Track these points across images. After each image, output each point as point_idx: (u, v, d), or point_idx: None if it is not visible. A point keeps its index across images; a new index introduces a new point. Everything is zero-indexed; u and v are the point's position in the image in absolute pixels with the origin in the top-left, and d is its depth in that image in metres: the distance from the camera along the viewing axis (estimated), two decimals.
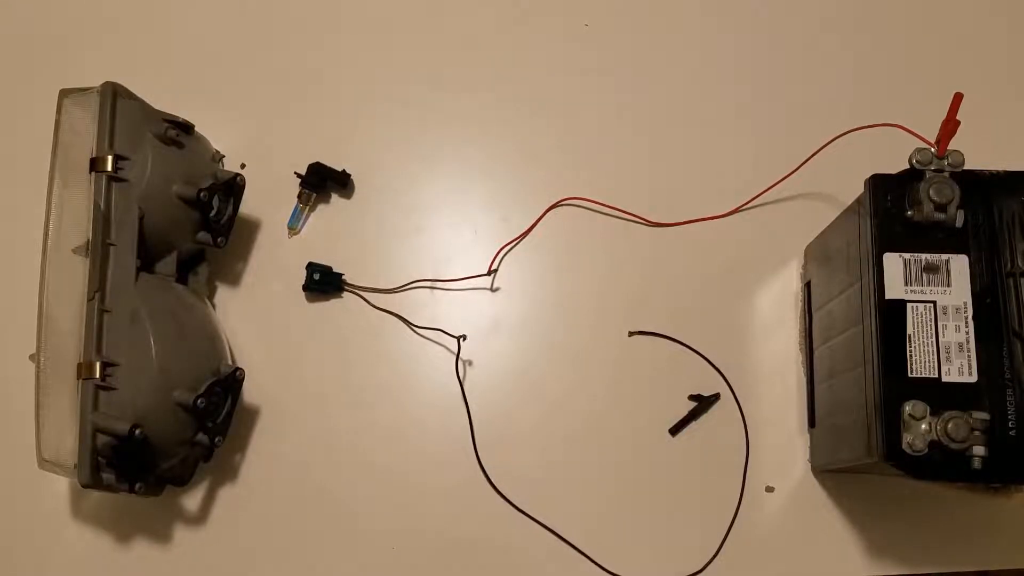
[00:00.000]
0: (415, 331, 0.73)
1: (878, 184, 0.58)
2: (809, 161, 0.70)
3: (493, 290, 0.74)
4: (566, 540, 0.69)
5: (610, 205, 0.75)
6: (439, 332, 0.72)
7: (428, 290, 0.74)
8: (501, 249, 0.75)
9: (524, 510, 0.69)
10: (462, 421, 0.71)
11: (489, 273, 0.74)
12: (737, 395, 0.72)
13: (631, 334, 0.73)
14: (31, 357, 0.63)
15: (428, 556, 0.69)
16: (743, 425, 0.71)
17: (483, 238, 0.76)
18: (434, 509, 0.70)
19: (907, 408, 0.53)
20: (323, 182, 0.75)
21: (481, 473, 0.70)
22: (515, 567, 0.69)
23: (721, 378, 0.72)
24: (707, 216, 0.75)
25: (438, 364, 0.72)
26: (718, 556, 0.69)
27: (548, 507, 0.70)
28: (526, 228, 0.75)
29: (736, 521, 0.69)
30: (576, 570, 0.69)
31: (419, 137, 0.78)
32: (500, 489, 0.70)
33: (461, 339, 0.71)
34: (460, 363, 0.71)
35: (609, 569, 0.68)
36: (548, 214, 0.75)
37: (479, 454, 0.70)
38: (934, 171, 0.57)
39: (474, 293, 0.74)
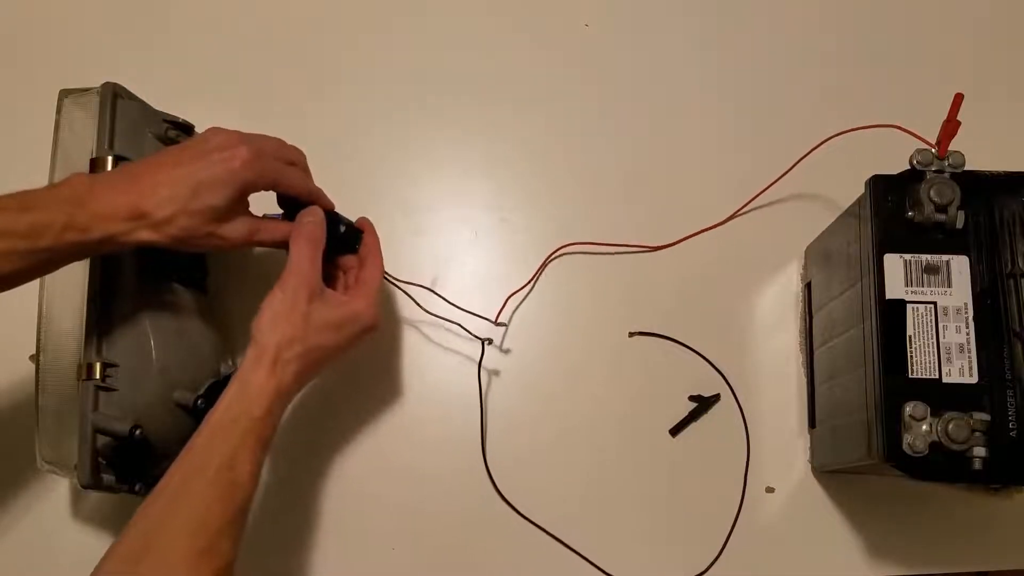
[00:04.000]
0: (428, 314, 0.70)
1: (879, 185, 0.58)
2: (810, 162, 0.69)
3: (501, 348, 0.73)
4: (566, 544, 0.69)
5: (608, 243, 0.75)
6: (456, 326, 0.70)
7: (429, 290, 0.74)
8: (508, 298, 0.72)
9: (524, 513, 0.69)
10: (466, 422, 0.71)
11: (496, 323, 0.71)
12: (738, 396, 0.72)
13: (631, 334, 0.73)
14: (31, 357, 0.63)
15: (429, 557, 0.69)
16: (744, 426, 0.71)
17: (483, 238, 0.76)
18: (437, 511, 0.70)
19: (908, 409, 0.53)
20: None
21: (487, 475, 0.70)
22: (514, 568, 0.69)
23: (721, 379, 0.72)
24: (705, 227, 0.75)
25: (440, 362, 0.72)
26: (720, 557, 0.69)
27: (548, 509, 0.70)
28: (528, 278, 0.74)
29: (737, 522, 0.69)
30: (577, 572, 0.69)
31: (419, 137, 0.78)
32: (499, 490, 0.70)
33: (486, 343, 0.70)
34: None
35: (611, 573, 0.68)
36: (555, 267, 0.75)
37: (487, 458, 0.70)
38: (935, 172, 0.57)
39: (474, 294, 0.74)
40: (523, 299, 0.74)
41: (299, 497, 0.70)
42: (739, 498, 0.70)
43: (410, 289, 0.70)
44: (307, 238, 0.60)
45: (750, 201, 0.74)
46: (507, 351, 0.73)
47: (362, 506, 0.70)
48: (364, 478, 0.70)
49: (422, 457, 0.71)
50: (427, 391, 0.72)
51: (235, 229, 0.58)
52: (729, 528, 0.69)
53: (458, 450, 0.71)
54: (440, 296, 0.70)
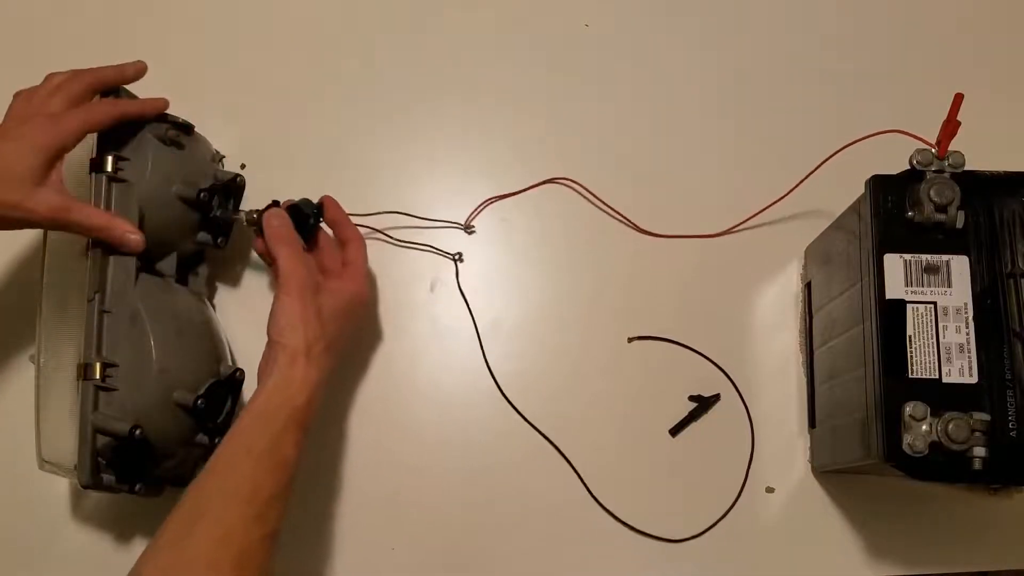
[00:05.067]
0: (403, 246, 0.74)
1: (879, 185, 0.58)
2: (810, 163, 0.69)
3: (468, 232, 0.75)
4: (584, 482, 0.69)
5: (607, 203, 0.75)
6: (432, 251, 0.74)
7: (428, 291, 0.74)
8: (484, 203, 0.75)
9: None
10: (466, 421, 0.71)
11: (466, 227, 0.75)
12: (743, 394, 0.72)
13: (630, 340, 0.73)
14: (31, 357, 0.63)
15: (429, 557, 0.69)
16: (749, 423, 0.71)
17: (483, 238, 0.76)
18: (438, 510, 0.70)
19: (907, 409, 0.53)
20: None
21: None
22: (516, 567, 0.69)
23: (726, 378, 0.72)
24: (701, 234, 0.75)
25: (437, 359, 0.73)
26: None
27: (548, 508, 0.70)
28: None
29: (736, 521, 0.69)
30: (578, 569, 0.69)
31: (420, 137, 0.78)
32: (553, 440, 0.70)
33: (457, 258, 0.73)
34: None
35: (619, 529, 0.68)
36: (545, 195, 0.76)
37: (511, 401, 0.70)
38: (934, 172, 0.57)
39: (476, 294, 0.74)
40: (520, 299, 0.74)
41: (300, 497, 0.69)
42: (739, 498, 0.70)
43: (375, 222, 0.73)
44: (282, 241, 0.62)
45: (751, 217, 0.74)
46: (508, 352, 0.73)
47: (362, 505, 0.70)
48: (364, 477, 0.70)
49: (422, 454, 0.71)
50: (423, 387, 0.72)
51: (41, 202, 0.57)
52: (728, 528, 0.69)
53: (459, 448, 0.71)
54: (409, 215, 0.74)
